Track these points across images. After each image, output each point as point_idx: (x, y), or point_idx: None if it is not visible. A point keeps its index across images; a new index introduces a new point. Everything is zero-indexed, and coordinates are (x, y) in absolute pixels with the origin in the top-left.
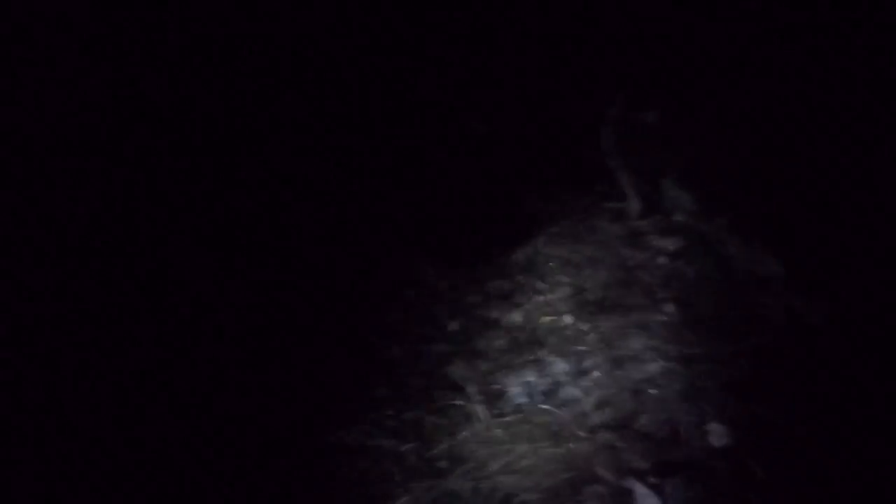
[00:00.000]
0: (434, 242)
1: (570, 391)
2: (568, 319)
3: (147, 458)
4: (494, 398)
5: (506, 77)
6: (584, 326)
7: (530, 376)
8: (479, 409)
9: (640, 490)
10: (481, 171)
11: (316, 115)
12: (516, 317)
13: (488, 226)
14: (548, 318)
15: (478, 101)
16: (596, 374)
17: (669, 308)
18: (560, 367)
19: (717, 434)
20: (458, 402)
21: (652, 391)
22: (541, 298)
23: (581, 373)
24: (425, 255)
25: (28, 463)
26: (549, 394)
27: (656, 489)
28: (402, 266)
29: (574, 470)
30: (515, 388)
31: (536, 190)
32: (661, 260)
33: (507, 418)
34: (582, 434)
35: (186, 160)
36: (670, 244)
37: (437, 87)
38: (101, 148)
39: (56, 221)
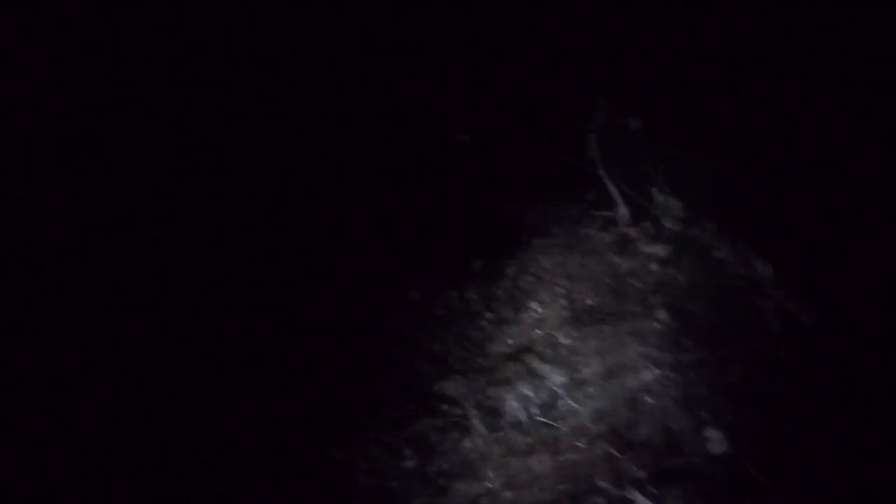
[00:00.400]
0: (419, 254)
1: (566, 403)
2: (561, 330)
3: (145, 465)
4: (491, 413)
5: (486, 86)
6: (578, 337)
7: (526, 389)
8: (477, 425)
9: (640, 500)
10: (464, 182)
11: (288, 126)
12: (509, 330)
13: (475, 237)
14: (541, 331)
15: (459, 111)
16: (591, 384)
17: (662, 315)
18: (555, 379)
19: (715, 440)
20: (455, 418)
21: (648, 399)
22: (533, 310)
23: (577, 384)
24: (410, 268)
25: (28, 462)
26: (546, 406)
27: (656, 498)
28: (387, 280)
29: (573, 481)
30: (512, 402)
31: (522, 200)
32: (653, 267)
33: (505, 433)
34: (580, 445)
35: (181, 159)
36: (660, 251)
37: (417, 96)
38: (99, 148)
39: (55, 220)
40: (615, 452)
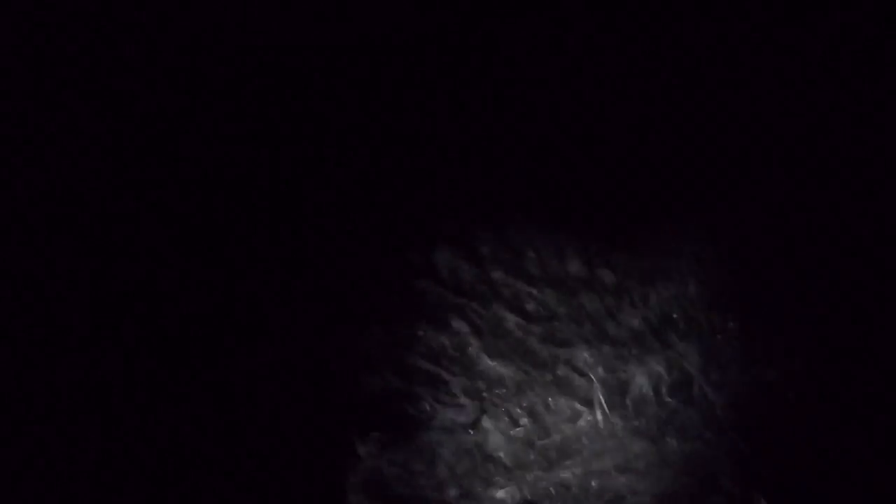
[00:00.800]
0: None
1: (700, 387)
2: (706, 310)
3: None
4: (617, 388)
5: None
6: (723, 318)
7: (659, 367)
8: (600, 398)
9: None
10: None
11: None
12: (647, 301)
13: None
14: (680, 307)
15: None
16: (731, 370)
17: None
18: (693, 359)
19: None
20: (578, 388)
21: (789, 394)
22: (676, 285)
23: (715, 368)
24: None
25: (27, 463)
26: (678, 387)
27: None
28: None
29: (695, 475)
30: (641, 378)
31: None
32: None
33: (629, 410)
34: (709, 436)
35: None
36: None
37: None
38: (98, 147)
39: (53, 220)
40: (745, 448)
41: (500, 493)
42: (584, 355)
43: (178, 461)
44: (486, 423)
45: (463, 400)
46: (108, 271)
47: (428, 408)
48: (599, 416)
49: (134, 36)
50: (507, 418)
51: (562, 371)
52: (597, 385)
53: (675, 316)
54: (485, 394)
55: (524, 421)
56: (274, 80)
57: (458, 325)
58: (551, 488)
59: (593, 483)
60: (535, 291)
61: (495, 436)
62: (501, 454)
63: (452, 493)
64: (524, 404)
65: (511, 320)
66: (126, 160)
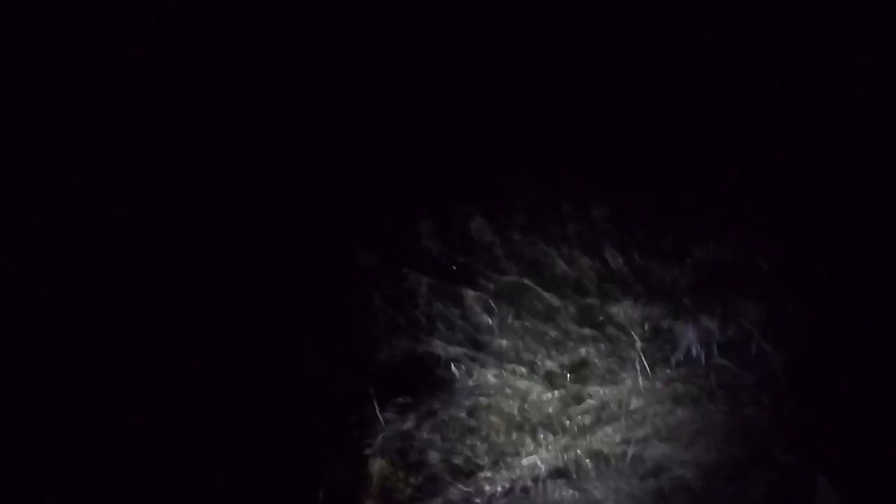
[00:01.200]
0: None
1: (760, 345)
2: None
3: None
4: (662, 345)
5: None
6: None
7: (711, 323)
8: (643, 357)
9: (823, 485)
10: None
11: None
12: (699, 250)
13: None
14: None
15: None
16: (796, 329)
17: None
18: (753, 314)
19: None
20: (618, 347)
21: (872, 356)
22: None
23: (778, 324)
24: None
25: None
26: (733, 347)
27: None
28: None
29: (746, 446)
30: (690, 335)
31: None
32: None
33: (675, 371)
34: (765, 402)
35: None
36: None
37: None
38: (96, 147)
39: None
40: (806, 417)
41: (528, 461)
42: (625, 310)
43: (194, 431)
44: (519, 384)
45: (494, 361)
46: (107, 272)
47: (457, 372)
48: (640, 379)
49: (135, 36)
50: (540, 380)
51: (602, 328)
52: (639, 343)
53: (734, 267)
54: (519, 353)
55: (560, 381)
56: (272, 81)
57: (488, 284)
58: (585, 456)
59: (630, 451)
60: (564, 248)
61: (526, 399)
62: (533, 418)
63: (482, 460)
64: (559, 364)
65: (546, 275)
66: (125, 160)
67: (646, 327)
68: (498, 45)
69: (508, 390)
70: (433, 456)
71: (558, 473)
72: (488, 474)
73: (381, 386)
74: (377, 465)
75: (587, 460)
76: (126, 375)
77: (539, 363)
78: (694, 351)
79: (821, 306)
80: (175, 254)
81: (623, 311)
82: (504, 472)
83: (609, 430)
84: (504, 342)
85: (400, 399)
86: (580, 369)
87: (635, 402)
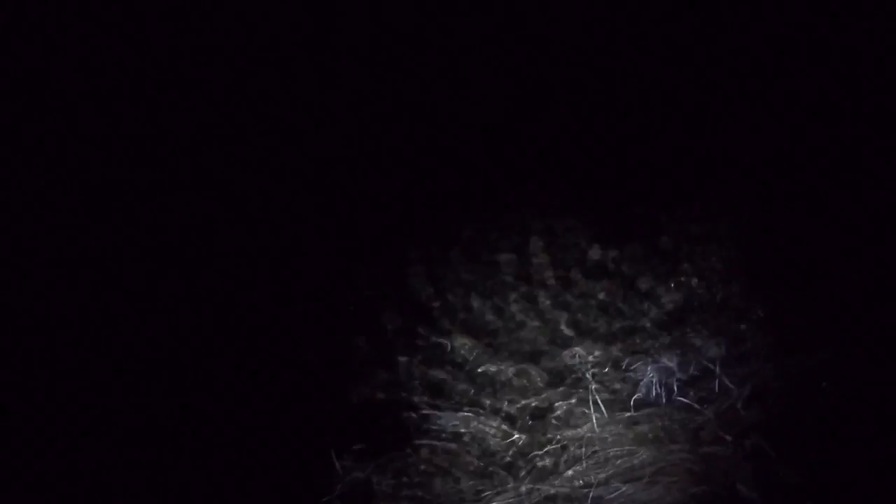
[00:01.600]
0: None
1: (718, 382)
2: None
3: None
4: (621, 387)
5: None
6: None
7: (670, 362)
8: (601, 401)
9: None
10: None
11: None
12: (665, 287)
13: None
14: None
15: None
16: (755, 361)
17: None
18: (711, 351)
19: None
20: (576, 390)
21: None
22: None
23: (736, 359)
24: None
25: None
26: (691, 385)
27: None
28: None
29: (709, 483)
30: (649, 375)
31: None
32: None
33: (635, 413)
34: (727, 437)
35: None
36: None
37: None
38: (95, 146)
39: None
40: (770, 451)
41: None
42: (583, 352)
43: (164, 468)
44: (478, 429)
45: (454, 405)
46: (107, 274)
47: (417, 415)
48: (598, 419)
49: (136, 36)
50: (500, 424)
51: (561, 370)
52: (594, 385)
53: (693, 304)
54: (478, 397)
55: (519, 425)
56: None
57: (445, 323)
58: (546, 501)
59: (592, 494)
60: (529, 286)
61: (487, 444)
62: (494, 464)
63: None
64: (519, 408)
65: (507, 315)
66: (123, 161)
67: (606, 368)
68: None
69: (467, 436)
70: None
71: None
72: None
73: (338, 432)
74: None
75: None
76: None
77: (498, 407)
78: (654, 390)
79: (784, 339)
80: None
81: (582, 352)
82: None
83: (570, 473)
84: (463, 386)
85: (356, 446)
86: (540, 412)
87: (597, 446)
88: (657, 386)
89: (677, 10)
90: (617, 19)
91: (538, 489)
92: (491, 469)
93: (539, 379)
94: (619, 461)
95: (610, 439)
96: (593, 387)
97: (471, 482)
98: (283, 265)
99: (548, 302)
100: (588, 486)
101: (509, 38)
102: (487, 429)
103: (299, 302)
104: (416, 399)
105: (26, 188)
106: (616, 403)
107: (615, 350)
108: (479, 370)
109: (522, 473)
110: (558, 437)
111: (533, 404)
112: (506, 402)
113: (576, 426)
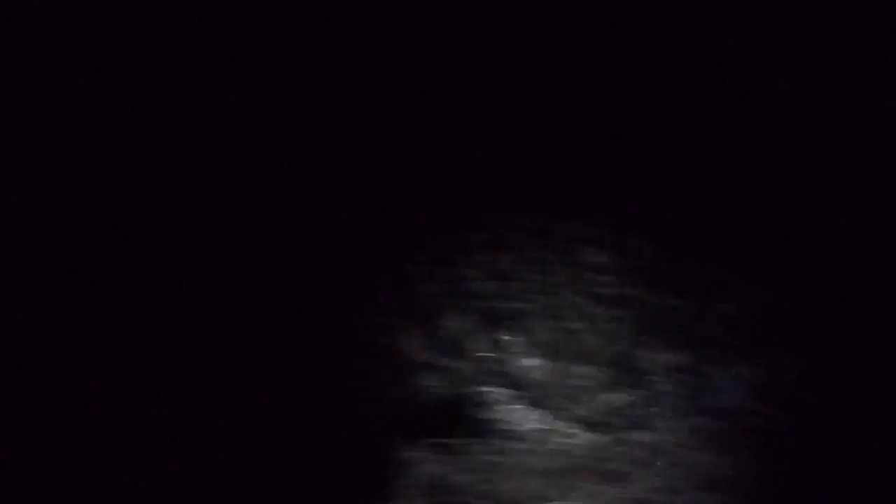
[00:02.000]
0: None
1: (796, 392)
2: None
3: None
4: (694, 393)
5: None
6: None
7: (747, 369)
8: (670, 406)
9: None
10: None
11: None
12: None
13: None
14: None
15: None
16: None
17: None
18: (788, 360)
19: None
20: (647, 393)
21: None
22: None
23: (813, 370)
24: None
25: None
26: (769, 393)
27: None
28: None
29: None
30: (725, 381)
31: None
32: None
33: (707, 420)
34: (802, 451)
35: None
36: None
37: None
38: (94, 147)
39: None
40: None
41: None
42: (661, 356)
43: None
44: (550, 429)
45: (527, 403)
46: (108, 272)
47: (489, 411)
48: (668, 424)
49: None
50: (571, 425)
51: (636, 373)
52: (673, 389)
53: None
54: (551, 397)
55: (590, 426)
56: (271, 82)
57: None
58: None
59: (662, 500)
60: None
61: (558, 444)
62: (564, 465)
63: None
64: (591, 409)
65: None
66: (123, 160)
67: (678, 373)
68: None
69: (538, 434)
70: (465, 499)
71: None
72: None
73: (413, 425)
74: None
75: None
76: None
77: (571, 408)
78: (729, 398)
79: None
80: None
81: (658, 356)
82: None
83: (639, 477)
84: (540, 385)
85: (432, 439)
86: (615, 414)
87: (667, 452)
88: (729, 392)
89: (678, 9)
90: (617, 19)
91: (606, 492)
92: (560, 469)
93: (612, 381)
94: (690, 469)
95: (680, 447)
96: (672, 391)
97: (540, 481)
98: (362, 256)
99: (620, 305)
100: (657, 490)
101: (509, 37)
102: (558, 429)
103: (380, 292)
104: (489, 395)
105: (26, 188)
106: (691, 409)
107: (687, 355)
108: (552, 369)
109: (592, 475)
110: (628, 439)
111: (604, 407)
112: (578, 403)
113: (646, 429)
